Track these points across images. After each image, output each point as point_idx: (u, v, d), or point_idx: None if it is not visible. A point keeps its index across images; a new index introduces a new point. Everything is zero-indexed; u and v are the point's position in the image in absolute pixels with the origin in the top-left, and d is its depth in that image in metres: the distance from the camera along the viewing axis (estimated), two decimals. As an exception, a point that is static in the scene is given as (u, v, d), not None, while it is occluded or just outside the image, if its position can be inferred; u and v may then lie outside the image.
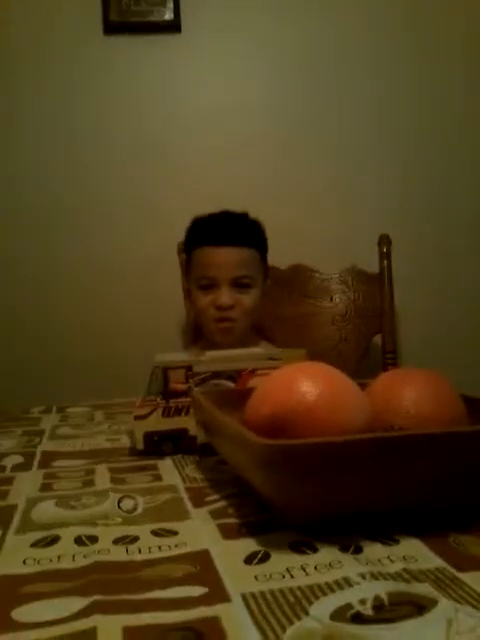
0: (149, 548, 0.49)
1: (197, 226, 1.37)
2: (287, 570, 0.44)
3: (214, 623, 0.37)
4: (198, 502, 0.59)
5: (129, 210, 1.68)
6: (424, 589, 0.41)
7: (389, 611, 0.38)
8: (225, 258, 1.31)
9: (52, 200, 1.67)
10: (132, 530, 0.53)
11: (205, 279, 1.32)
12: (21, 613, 0.40)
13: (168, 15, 1.65)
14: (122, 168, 1.68)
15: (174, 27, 1.65)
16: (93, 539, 0.51)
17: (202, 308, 1.34)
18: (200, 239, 1.35)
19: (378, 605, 0.38)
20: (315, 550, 0.47)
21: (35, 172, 1.66)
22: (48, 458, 0.78)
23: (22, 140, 1.66)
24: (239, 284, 1.32)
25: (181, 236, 1.43)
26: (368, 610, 0.38)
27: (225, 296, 1.30)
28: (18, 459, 0.78)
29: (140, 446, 0.77)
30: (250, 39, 1.69)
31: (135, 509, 0.58)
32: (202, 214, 1.37)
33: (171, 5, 1.64)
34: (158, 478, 0.68)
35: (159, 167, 1.69)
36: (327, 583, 0.42)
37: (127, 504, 0.60)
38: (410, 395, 0.59)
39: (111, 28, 1.65)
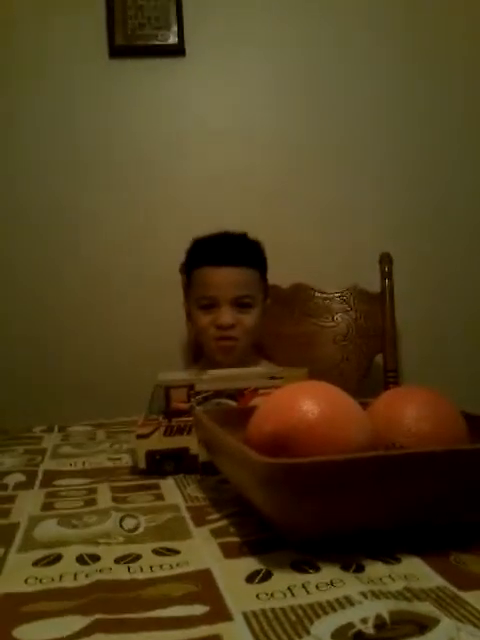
0: (151, 567, 0.49)
1: (197, 247, 1.38)
2: (288, 589, 0.44)
3: (216, 642, 0.38)
4: (200, 521, 0.59)
5: (130, 231, 1.70)
6: (426, 608, 0.41)
7: (391, 630, 0.38)
8: (225, 278, 1.32)
9: (53, 220, 1.68)
10: (134, 549, 0.53)
11: (205, 299, 1.33)
12: (23, 632, 0.40)
13: (172, 39, 1.67)
14: (125, 189, 1.69)
15: (178, 51, 1.68)
16: (95, 558, 0.51)
17: (203, 328, 1.34)
18: (200, 259, 1.36)
19: (380, 624, 0.38)
20: (317, 569, 0.47)
21: (38, 192, 1.68)
22: (50, 477, 0.78)
23: (26, 161, 1.67)
24: (240, 304, 1.33)
25: (182, 256, 1.44)
26: (370, 629, 0.38)
27: (226, 315, 1.31)
28: (20, 478, 0.78)
29: (142, 465, 0.77)
30: (254, 63, 1.72)
31: (137, 528, 0.58)
32: (202, 235, 1.38)
33: (175, 29, 1.67)
34: (160, 497, 0.68)
35: (161, 188, 1.70)
36: (328, 602, 0.42)
37: (129, 523, 0.60)
38: (411, 413, 0.59)
39: (116, 52, 1.67)
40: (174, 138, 1.70)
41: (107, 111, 1.69)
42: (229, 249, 1.34)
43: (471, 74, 1.76)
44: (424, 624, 0.38)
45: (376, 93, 1.74)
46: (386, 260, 1.57)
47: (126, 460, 0.84)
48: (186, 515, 0.61)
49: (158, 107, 1.70)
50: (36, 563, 0.51)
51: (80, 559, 0.51)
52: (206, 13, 1.69)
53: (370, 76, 1.74)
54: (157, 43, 1.67)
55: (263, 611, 0.41)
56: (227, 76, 1.71)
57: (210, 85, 1.71)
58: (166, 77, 1.70)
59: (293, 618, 0.40)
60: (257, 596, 0.43)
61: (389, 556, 0.49)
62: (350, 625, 0.38)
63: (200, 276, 1.35)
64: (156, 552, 0.52)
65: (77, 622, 0.41)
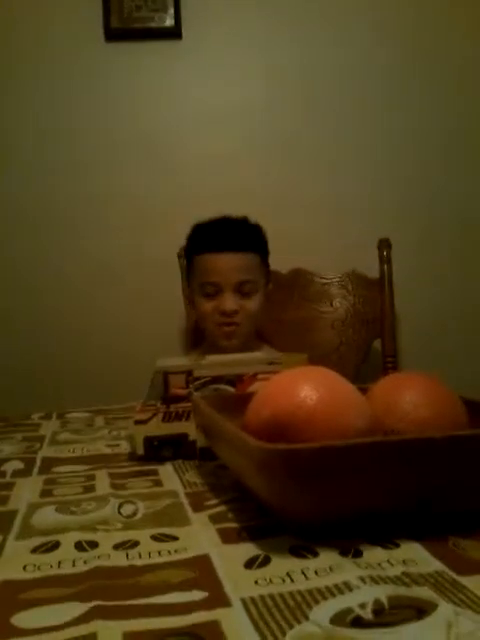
0: (149, 553, 0.49)
1: (198, 232, 1.37)
2: (287, 574, 0.44)
3: (214, 627, 0.37)
4: (198, 507, 0.59)
5: (128, 215, 1.69)
6: (424, 593, 0.41)
7: (389, 615, 0.38)
8: (227, 264, 1.31)
9: (50, 205, 1.67)
10: (132, 535, 0.53)
11: (208, 285, 1.33)
12: (21, 619, 0.40)
13: (169, 22, 1.65)
14: (122, 173, 1.68)
15: (175, 34, 1.66)
16: (93, 544, 0.51)
17: (206, 314, 1.34)
18: (201, 245, 1.35)
19: (378, 609, 0.38)
20: (315, 554, 0.47)
21: (34, 176, 1.67)
22: (48, 464, 0.78)
23: (21, 144, 1.66)
24: (242, 289, 1.32)
25: (180, 241, 1.43)
26: (368, 614, 0.38)
27: (229, 302, 1.30)
28: (18, 465, 0.78)
29: (140, 451, 0.77)
30: (250, 46, 1.70)
31: (135, 514, 0.58)
32: (202, 220, 1.37)
33: (172, 12, 1.65)
34: (158, 483, 0.68)
35: (158, 172, 1.69)
36: (327, 587, 0.42)
37: (127, 509, 0.60)
38: (410, 399, 0.59)
39: (112, 35, 1.65)
40: (171, 121, 1.69)
41: (103, 94, 1.68)
42: (230, 234, 1.33)
43: (467, 68, 1.75)
44: (422, 609, 0.38)
45: (375, 84, 1.73)
46: (385, 245, 1.57)
47: (124, 446, 0.84)
48: (184, 501, 0.61)
49: (155, 90, 1.69)
50: (34, 550, 0.51)
51: (78, 546, 0.51)
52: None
53: (369, 61, 1.73)
54: (153, 26, 1.65)
55: (262, 597, 0.41)
56: (224, 59, 1.70)
57: (207, 68, 1.69)
58: (162, 60, 1.68)
59: (292, 604, 0.40)
60: (256, 582, 0.43)
61: (388, 541, 0.49)
62: (349, 610, 0.38)
63: (202, 262, 1.34)
64: (154, 538, 0.52)
65: (76, 609, 0.41)
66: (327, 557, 0.47)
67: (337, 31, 1.71)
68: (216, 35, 1.69)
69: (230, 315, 1.31)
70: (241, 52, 1.70)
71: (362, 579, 0.42)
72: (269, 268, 1.42)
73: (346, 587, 0.42)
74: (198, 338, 1.51)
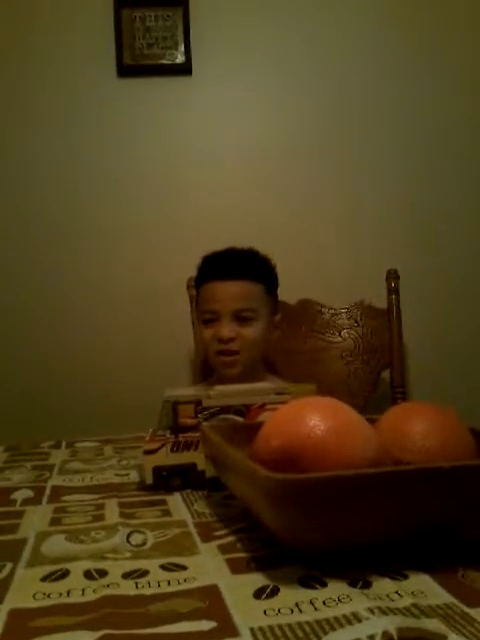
0: (158, 582, 0.49)
1: (203, 262, 1.39)
2: (296, 605, 0.44)
3: (223, 657, 0.38)
4: (207, 537, 0.59)
5: (139, 246, 1.71)
6: (433, 625, 0.40)
7: (398, 646, 0.38)
8: (226, 291, 1.33)
9: (59, 237, 1.70)
10: (141, 564, 0.53)
11: (208, 313, 1.34)
12: (31, 647, 0.40)
13: (180, 58, 1.70)
14: (131, 206, 1.71)
15: (185, 70, 1.70)
16: (103, 573, 0.52)
17: (206, 341, 1.35)
18: (205, 275, 1.37)
19: (387, 640, 0.38)
20: (324, 585, 0.47)
21: (44, 210, 1.69)
22: (58, 492, 0.78)
23: (33, 176, 1.69)
24: (240, 317, 1.33)
25: (190, 272, 1.45)
26: (377, 645, 0.38)
27: (225, 328, 1.31)
28: (28, 493, 0.78)
29: (149, 481, 0.77)
30: (259, 81, 1.73)
31: (144, 543, 0.58)
32: (210, 252, 1.39)
33: (182, 48, 1.69)
34: (167, 513, 0.68)
35: (167, 205, 1.71)
36: (336, 618, 0.42)
37: (136, 539, 0.60)
38: (418, 429, 0.59)
39: (125, 71, 1.69)
40: (180, 155, 1.72)
41: (115, 129, 1.71)
42: (230, 263, 1.35)
43: (475, 108, 1.77)
44: (432, 641, 0.38)
45: (384, 110, 1.76)
46: (393, 276, 1.58)
47: (133, 476, 0.84)
48: (193, 531, 0.61)
49: (165, 125, 1.72)
50: (44, 578, 0.51)
51: (88, 574, 0.51)
52: (213, 33, 1.71)
53: (377, 94, 1.75)
54: (164, 62, 1.69)
55: (270, 627, 0.41)
56: (233, 94, 1.73)
57: (216, 103, 1.73)
58: (173, 95, 1.72)
59: (300, 634, 0.40)
60: (264, 612, 0.43)
61: (397, 572, 0.49)
62: (357, 641, 0.38)
63: (204, 291, 1.36)
64: (163, 568, 0.52)
65: (85, 637, 0.41)
66: (336, 588, 0.47)
67: (350, 66, 1.74)
68: (225, 71, 1.72)
69: (226, 342, 1.31)
70: (250, 87, 1.73)
71: (371, 610, 0.42)
72: (276, 298, 1.43)
73: (355, 618, 0.42)
74: (207, 370, 1.52)
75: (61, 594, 0.48)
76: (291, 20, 1.73)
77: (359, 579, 0.48)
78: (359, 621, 0.41)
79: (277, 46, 1.73)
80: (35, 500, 0.75)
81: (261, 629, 0.41)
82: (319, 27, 1.74)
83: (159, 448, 0.77)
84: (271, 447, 0.56)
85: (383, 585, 0.47)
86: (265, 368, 1.43)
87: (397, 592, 0.45)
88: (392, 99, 1.76)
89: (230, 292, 1.32)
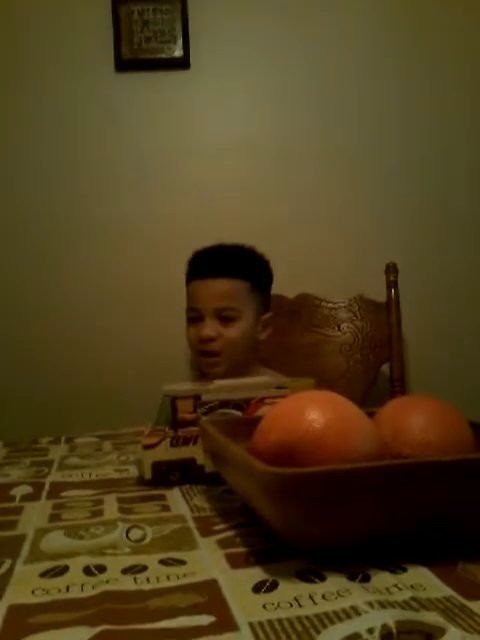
0: (157, 578, 0.49)
1: (191, 260, 1.38)
2: (295, 599, 0.44)
3: (222, 652, 0.37)
4: (206, 531, 0.59)
5: (137, 241, 1.70)
6: (432, 618, 0.40)
7: (397, 640, 0.38)
8: (208, 290, 1.30)
9: (58, 233, 1.69)
10: (140, 560, 0.53)
11: (192, 311, 1.33)
12: (30, 643, 0.40)
13: (178, 52, 1.69)
14: (130, 201, 1.70)
15: (183, 64, 1.69)
16: (102, 569, 0.52)
17: (190, 340, 1.34)
18: (191, 272, 1.36)
19: (386, 634, 0.38)
20: (323, 579, 0.47)
21: (43, 206, 1.69)
22: (57, 488, 0.78)
23: (31, 171, 1.69)
24: (222, 316, 1.30)
25: (185, 267, 1.44)
26: (376, 639, 0.38)
27: (207, 328, 1.29)
28: (27, 489, 0.78)
29: (148, 476, 0.77)
30: (258, 75, 1.73)
31: (143, 539, 0.58)
32: (201, 248, 1.37)
33: (181, 42, 1.68)
34: (166, 508, 0.68)
35: (166, 200, 1.71)
36: (335, 612, 0.42)
37: (135, 534, 0.60)
38: (417, 423, 0.59)
39: (123, 65, 1.69)
40: (179, 150, 1.71)
41: (113, 123, 1.71)
42: (215, 261, 1.32)
43: (477, 109, 1.77)
44: (431, 634, 0.38)
45: (382, 103, 1.75)
46: (392, 270, 1.58)
47: (132, 471, 0.84)
48: (192, 526, 0.61)
49: (163, 119, 1.72)
50: (43, 574, 0.51)
51: (87, 570, 0.51)
52: (211, 27, 1.70)
53: (375, 87, 1.75)
54: (163, 56, 1.69)
55: (269, 621, 0.41)
56: (231, 88, 1.72)
57: (214, 97, 1.72)
58: (171, 89, 1.71)
59: (299, 628, 0.40)
60: (263, 606, 0.43)
61: (396, 566, 0.49)
62: (357, 635, 0.38)
63: (189, 289, 1.35)
64: (163, 563, 0.52)
65: (84, 633, 0.41)
66: (335, 582, 0.47)
67: (349, 59, 1.74)
68: (223, 65, 1.72)
69: (207, 342, 1.29)
70: (248, 81, 1.73)
71: (370, 604, 0.42)
72: (266, 296, 1.39)
73: (354, 612, 0.42)
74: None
75: (60, 590, 0.48)
76: (289, 14, 1.72)
77: (358, 573, 0.48)
78: (358, 615, 0.41)
79: (275, 39, 1.72)
80: (34, 496, 0.75)
81: (260, 623, 0.41)
82: (317, 21, 1.73)
83: (158, 443, 0.77)
84: (270, 441, 0.56)
85: (382, 579, 0.47)
86: (260, 363, 1.42)
87: (396, 585, 0.45)
88: (392, 93, 1.75)
89: (212, 290, 1.30)
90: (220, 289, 1.30)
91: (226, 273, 1.31)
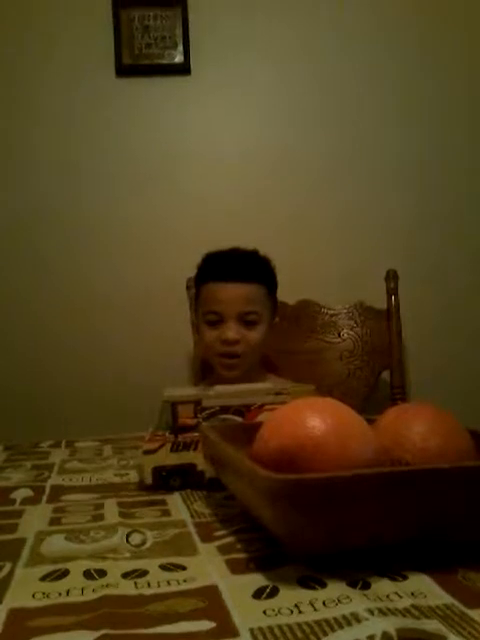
0: (158, 582, 0.49)
1: (207, 262, 1.38)
2: (295, 605, 0.44)
3: (222, 658, 0.38)
4: (206, 537, 0.59)
5: (138, 245, 1.71)
6: (433, 626, 0.40)
7: (397, 647, 0.38)
8: (232, 293, 1.32)
9: (57, 237, 1.70)
10: (141, 564, 0.53)
11: (212, 314, 1.33)
12: (30, 647, 0.40)
13: (178, 58, 1.70)
14: (130, 205, 1.71)
15: (184, 69, 1.70)
16: (102, 573, 0.52)
17: (208, 343, 1.35)
18: (208, 274, 1.36)
19: (386, 641, 0.38)
20: (323, 585, 0.47)
21: (43, 210, 1.69)
22: (57, 492, 0.78)
23: (31, 175, 1.69)
24: (245, 320, 1.32)
25: (188, 272, 1.45)
26: (376, 646, 0.38)
27: (231, 331, 1.31)
28: (28, 493, 0.78)
29: (148, 481, 0.77)
30: (258, 81, 1.73)
31: (144, 543, 0.58)
32: (213, 250, 1.38)
33: (181, 48, 1.69)
34: (166, 513, 0.68)
35: (166, 205, 1.71)
36: (335, 619, 0.42)
37: (136, 538, 0.60)
38: (417, 429, 0.59)
39: (123, 70, 1.69)
40: (179, 155, 1.72)
41: (113, 129, 1.71)
42: (237, 265, 1.34)
43: (476, 108, 1.77)
44: (431, 641, 0.38)
45: (383, 110, 1.76)
46: (392, 277, 1.58)
47: (133, 476, 0.84)
48: (193, 531, 0.61)
49: (164, 125, 1.72)
50: (43, 578, 0.51)
51: (87, 574, 0.51)
52: (212, 32, 1.71)
53: (377, 94, 1.76)
54: (163, 62, 1.69)
55: (270, 627, 0.41)
56: (232, 94, 1.73)
57: (215, 103, 1.73)
58: (171, 95, 1.72)
59: (300, 635, 0.40)
60: (264, 612, 0.43)
61: (396, 573, 0.49)
62: (357, 642, 0.38)
63: (208, 291, 1.35)
64: (163, 568, 0.52)
65: (84, 637, 0.41)
66: (335, 588, 0.47)
67: (350, 66, 1.75)
68: (224, 71, 1.72)
69: (231, 344, 1.31)
70: (249, 87, 1.73)
71: (370, 611, 0.42)
72: (276, 302, 1.42)
73: (354, 619, 0.42)
74: (206, 369, 1.52)
75: (60, 594, 0.48)
76: (289, 20, 1.73)
77: (358, 580, 0.48)
78: (359, 622, 0.41)
79: (275, 45, 1.73)
80: (35, 499, 0.75)
81: (260, 629, 0.41)
82: (317, 26, 1.74)
83: (159, 448, 0.77)
84: (270, 447, 0.56)
85: (383, 586, 0.47)
86: (264, 368, 1.43)
87: (397, 593, 0.45)
88: (392, 99, 1.76)
89: (236, 294, 1.31)
90: (244, 293, 1.32)
91: (249, 278, 1.33)
